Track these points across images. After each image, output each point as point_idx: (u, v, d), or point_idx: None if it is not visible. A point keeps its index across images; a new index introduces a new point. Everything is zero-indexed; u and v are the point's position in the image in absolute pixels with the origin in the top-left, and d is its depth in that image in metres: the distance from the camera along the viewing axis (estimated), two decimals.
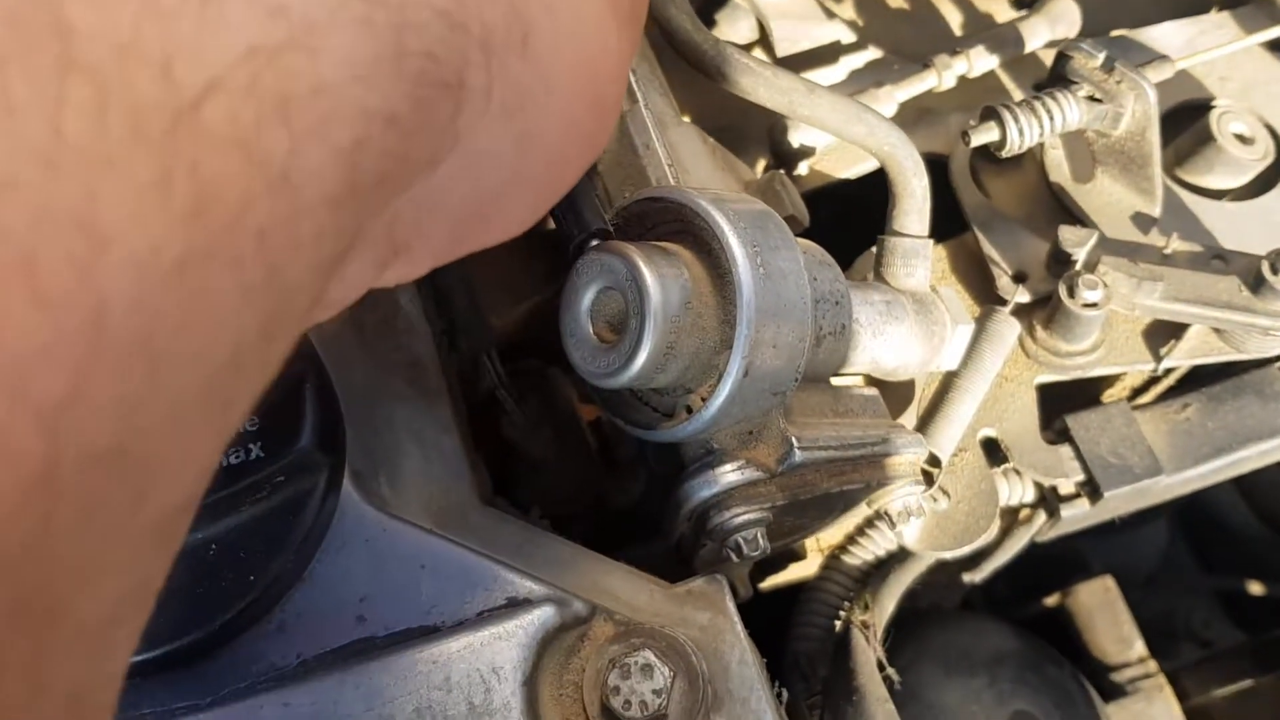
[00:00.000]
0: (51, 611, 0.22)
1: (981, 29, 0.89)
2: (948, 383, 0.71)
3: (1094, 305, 0.68)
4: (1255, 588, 1.24)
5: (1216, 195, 0.79)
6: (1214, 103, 0.82)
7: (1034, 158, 0.80)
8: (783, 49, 0.83)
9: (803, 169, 0.80)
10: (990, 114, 0.71)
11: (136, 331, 0.22)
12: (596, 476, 0.65)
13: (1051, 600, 1.04)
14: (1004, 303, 0.73)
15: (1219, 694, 1.00)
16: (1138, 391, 0.80)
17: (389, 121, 0.27)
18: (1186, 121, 0.81)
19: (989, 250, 0.75)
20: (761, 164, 0.82)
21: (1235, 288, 0.70)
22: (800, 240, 0.54)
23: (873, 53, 0.87)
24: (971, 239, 0.77)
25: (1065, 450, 0.73)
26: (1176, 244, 0.73)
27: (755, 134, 0.81)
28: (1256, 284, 0.69)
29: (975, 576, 0.78)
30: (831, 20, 0.86)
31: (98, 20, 0.21)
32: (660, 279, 0.46)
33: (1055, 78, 0.73)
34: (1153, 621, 1.04)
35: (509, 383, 0.61)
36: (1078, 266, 0.71)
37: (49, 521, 0.21)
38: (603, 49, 0.37)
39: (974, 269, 0.77)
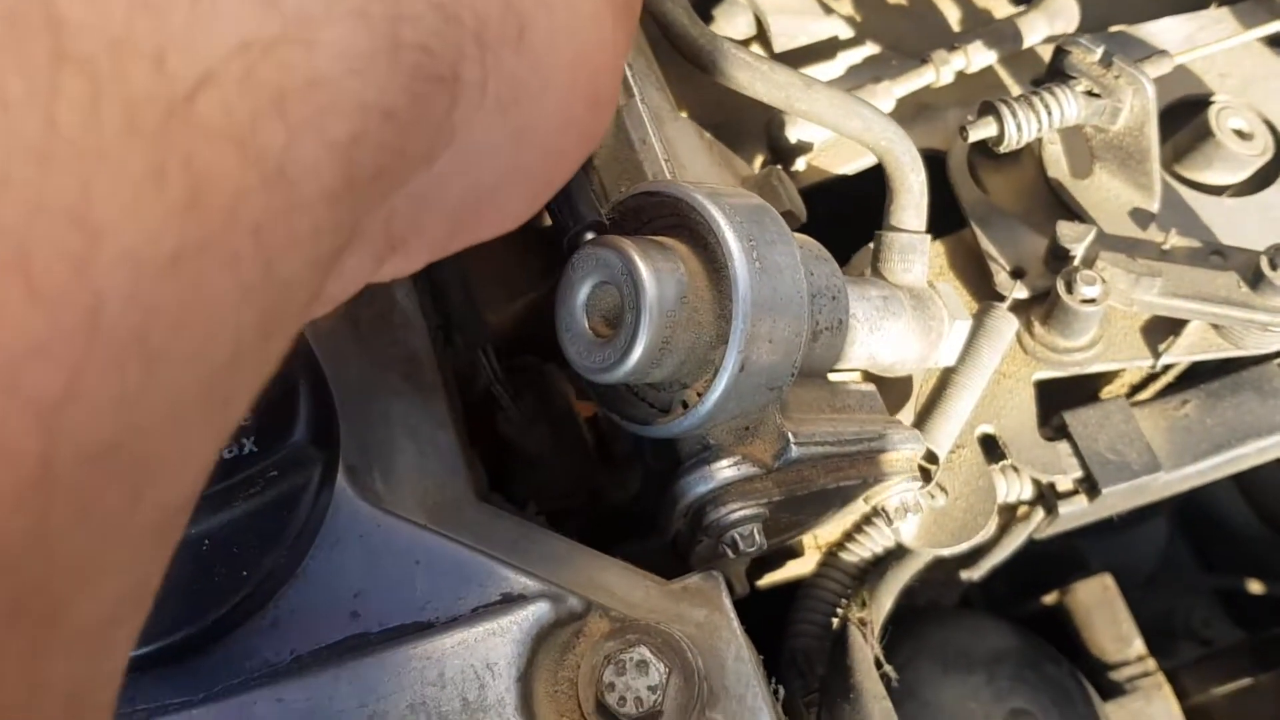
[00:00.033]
0: (49, 611, 0.22)
1: (980, 24, 0.89)
2: (945, 379, 0.71)
3: (1092, 301, 0.68)
4: (1255, 587, 1.24)
5: (1215, 191, 0.79)
6: (1213, 98, 0.82)
7: (1032, 153, 0.79)
8: (780, 44, 0.83)
9: (800, 165, 0.80)
10: (988, 109, 0.71)
11: (132, 327, 0.22)
12: (592, 472, 0.64)
13: (1050, 598, 1.04)
14: (1002, 299, 0.73)
15: (1218, 692, 1.00)
16: (1137, 388, 0.80)
17: (385, 115, 0.27)
18: (1185, 117, 0.80)
19: (987, 246, 0.75)
20: (759, 160, 0.82)
21: (1234, 283, 0.70)
22: (797, 235, 0.53)
23: (871, 48, 0.86)
24: (969, 235, 0.76)
25: (1063, 447, 0.73)
26: (1175, 240, 0.73)
27: (753, 130, 0.80)
28: (1255, 280, 0.69)
29: (973, 574, 0.78)
30: (829, 16, 0.86)
31: (90, 13, 0.21)
32: (656, 273, 0.45)
33: (1053, 73, 0.73)
34: (1152, 621, 1.04)
35: (505, 378, 0.61)
36: (1076, 262, 0.71)
37: (46, 520, 0.21)
38: (598, 42, 0.37)
39: (972, 265, 0.77)
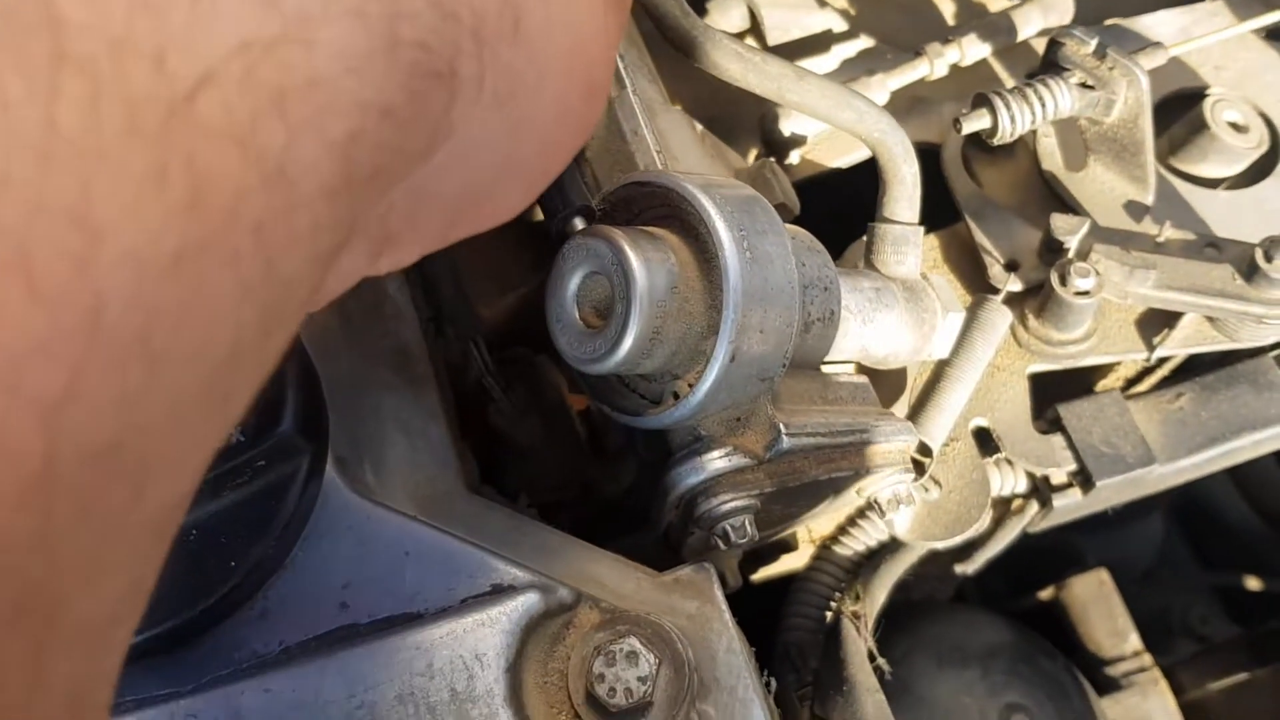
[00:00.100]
0: (51, 611, 0.22)
1: (974, 18, 0.89)
2: (939, 372, 0.70)
3: (1086, 293, 0.68)
4: (1253, 583, 1.24)
5: (1211, 184, 0.79)
6: (1208, 91, 0.81)
7: (1026, 146, 0.79)
8: (774, 38, 0.83)
9: (794, 158, 0.80)
10: (982, 101, 0.70)
11: (134, 326, 0.22)
12: (584, 465, 0.64)
13: (1046, 594, 1.04)
14: (996, 291, 0.73)
15: (1214, 687, 1.00)
16: (1131, 382, 0.80)
17: (384, 113, 0.27)
18: (1181, 110, 0.80)
19: (981, 239, 0.75)
20: (753, 154, 0.82)
21: (1229, 276, 0.69)
22: (788, 226, 0.53)
23: (865, 41, 0.86)
24: (964, 228, 0.76)
25: (1057, 440, 0.73)
26: (1170, 232, 0.73)
27: (746, 124, 0.80)
28: (1250, 272, 0.69)
29: (968, 567, 0.78)
30: (823, 9, 0.86)
31: (90, 14, 0.21)
32: (646, 263, 0.45)
33: (1047, 64, 0.73)
34: (1149, 617, 1.04)
35: (496, 370, 0.61)
36: (1070, 255, 0.70)
37: (48, 520, 0.21)
38: (593, 32, 0.37)
39: (966, 258, 0.77)
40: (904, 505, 0.63)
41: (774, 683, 0.51)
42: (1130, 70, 0.69)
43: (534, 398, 0.62)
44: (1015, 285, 0.73)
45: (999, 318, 0.70)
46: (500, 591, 0.48)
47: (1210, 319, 0.73)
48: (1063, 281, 0.68)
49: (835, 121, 0.61)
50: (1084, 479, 0.72)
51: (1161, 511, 1.22)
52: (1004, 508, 0.76)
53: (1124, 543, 1.19)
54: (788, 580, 0.77)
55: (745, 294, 0.47)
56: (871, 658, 0.68)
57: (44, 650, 0.22)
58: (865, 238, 0.65)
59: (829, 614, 0.73)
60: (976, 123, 0.70)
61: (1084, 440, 0.72)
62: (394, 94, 0.27)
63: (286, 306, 0.27)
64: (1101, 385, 0.79)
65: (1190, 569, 1.26)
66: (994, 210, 0.76)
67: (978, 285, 0.75)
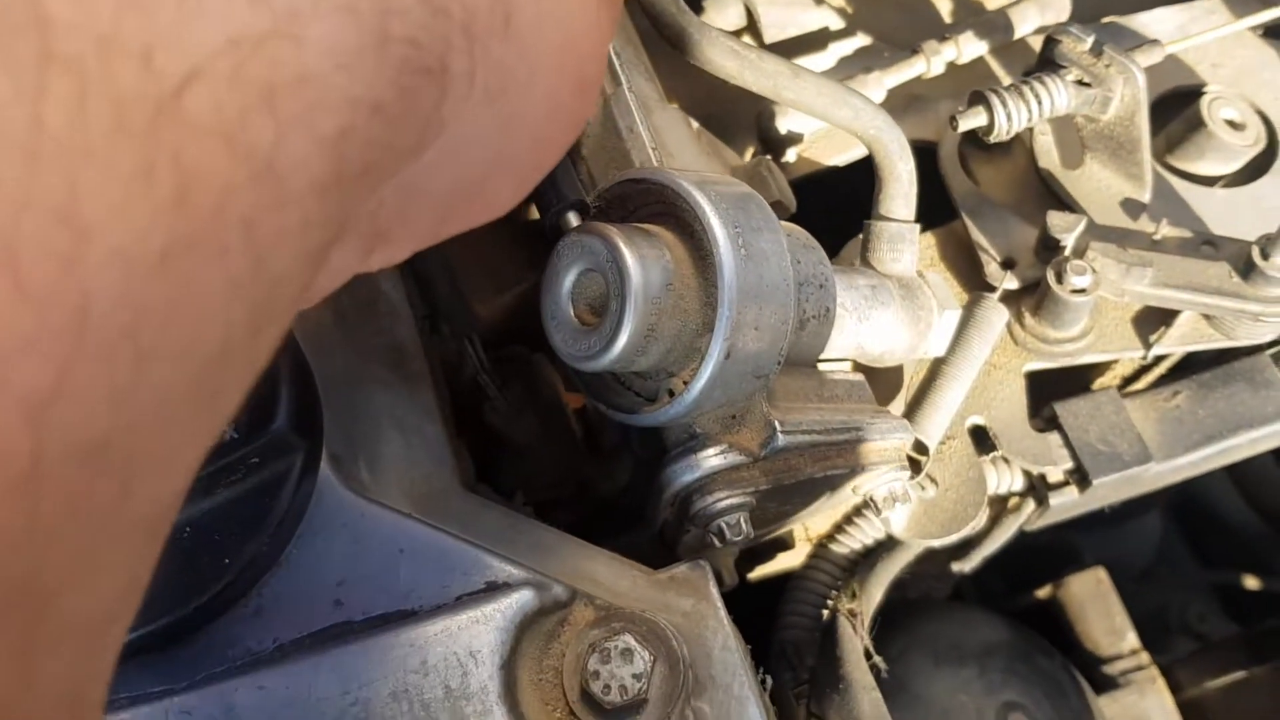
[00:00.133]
0: (41, 608, 0.22)
1: (971, 15, 0.89)
2: (935, 370, 0.70)
3: (1082, 291, 0.68)
4: (1251, 581, 1.23)
5: (1207, 182, 0.79)
6: (1205, 89, 0.81)
7: (1023, 144, 0.79)
8: (771, 35, 0.83)
9: (791, 156, 0.80)
10: (978, 99, 0.70)
11: (121, 323, 0.22)
12: (580, 463, 0.64)
13: (1043, 592, 1.04)
14: (992, 289, 0.73)
15: (1212, 686, 1.00)
16: (1128, 380, 0.80)
17: (374, 110, 0.27)
18: (1178, 108, 0.80)
19: (977, 237, 0.75)
20: (749, 151, 0.82)
21: (1225, 274, 0.69)
22: (783, 224, 0.53)
23: (862, 39, 0.86)
24: (960, 227, 0.76)
25: (1054, 438, 0.73)
26: (1166, 230, 0.73)
27: (743, 122, 0.80)
28: (1247, 270, 0.68)
29: (964, 566, 0.78)
30: (820, 7, 0.85)
31: (77, 11, 0.21)
32: (641, 260, 0.45)
33: (1044, 62, 0.73)
34: (1147, 615, 1.04)
35: (491, 368, 0.61)
36: (1066, 252, 0.70)
37: (36, 517, 0.21)
38: (584, 27, 0.37)
39: (963, 257, 0.77)
40: (900, 503, 0.63)
41: (770, 680, 0.51)
42: (1127, 68, 0.69)
43: (529, 395, 0.62)
44: (1012, 283, 0.73)
45: (995, 315, 0.70)
46: (495, 589, 0.48)
47: (1207, 317, 0.73)
48: (1059, 279, 0.68)
49: (831, 119, 0.61)
50: (1081, 477, 0.72)
51: (1159, 509, 1.22)
52: (1001, 506, 0.76)
53: (1121, 541, 1.19)
54: (784, 578, 0.77)
55: (740, 291, 0.47)
56: (868, 656, 0.68)
57: (34, 647, 0.22)
58: (861, 235, 0.65)
59: (825, 612, 0.73)
60: (973, 120, 0.70)
61: (1081, 438, 0.72)
62: (384, 90, 0.27)
63: (277, 303, 0.27)
64: (1098, 383, 0.79)
65: (1188, 567, 1.26)
66: (990, 208, 0.76)
67: (974, 283, 0.75)
